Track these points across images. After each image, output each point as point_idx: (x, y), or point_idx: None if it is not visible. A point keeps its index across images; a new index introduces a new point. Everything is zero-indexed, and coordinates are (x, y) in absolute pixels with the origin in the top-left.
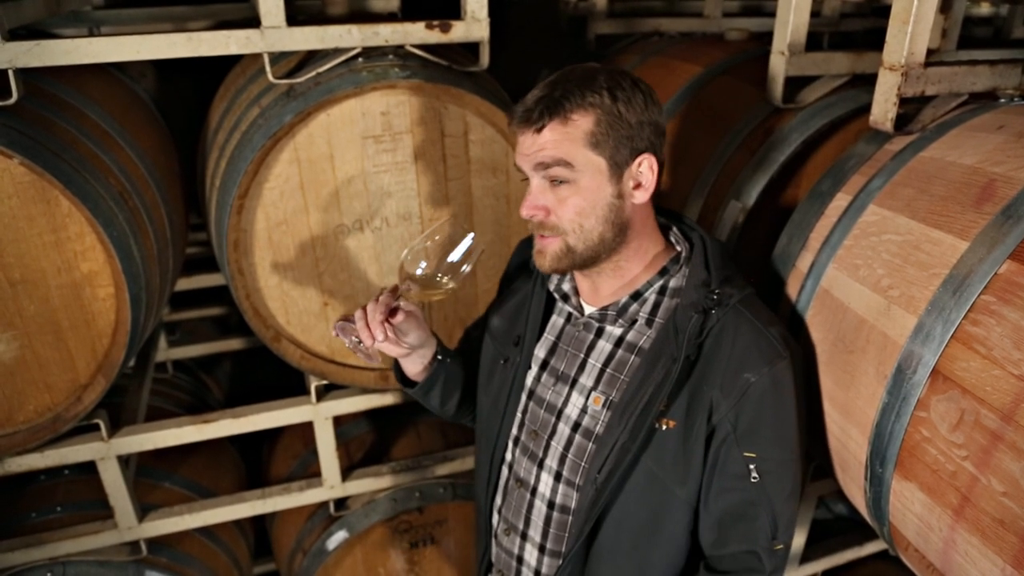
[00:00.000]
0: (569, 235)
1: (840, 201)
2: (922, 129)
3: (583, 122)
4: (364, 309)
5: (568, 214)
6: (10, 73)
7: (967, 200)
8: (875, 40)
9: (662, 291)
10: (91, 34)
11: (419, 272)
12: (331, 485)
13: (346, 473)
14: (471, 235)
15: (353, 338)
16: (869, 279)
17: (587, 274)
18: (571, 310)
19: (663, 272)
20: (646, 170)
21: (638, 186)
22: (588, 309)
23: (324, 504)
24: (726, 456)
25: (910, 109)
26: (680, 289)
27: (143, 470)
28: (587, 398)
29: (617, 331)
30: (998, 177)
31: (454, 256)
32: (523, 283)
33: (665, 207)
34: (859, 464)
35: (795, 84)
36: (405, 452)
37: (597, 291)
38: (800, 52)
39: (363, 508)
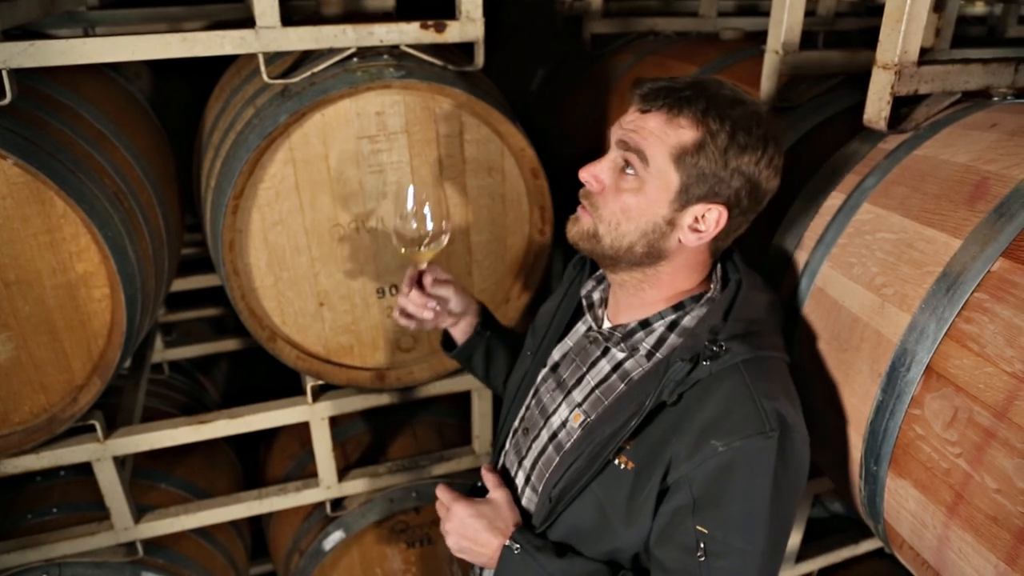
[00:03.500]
0: (602, 223)
1: (834, 200)
2: (916, 127)
3: (685, 133)
4: (406, 296)
5: (615, 205)
6: (4, 73)
7: (960, 198)
8: (870, 39)
9: (672, 326)
10: (86, 34)
11: (411, 233)
12: (328, 485)
13: (343, 473)
14: (411, 187)
15: (411, 320)
16: (863, 277)
17: (612, 282)
18: (590, 319)
19: (679, 307)
20: (711, 220)
21: (695, 228)
22: (605, 324)
23: (321, 504)
24: (677, 524)
25: (904, 108)
26: (689, 330)
27: (139, 471)
28: (571, 412)
29: (620, 355)
30: (991, 175)
31: (426, 209)
32: (567, 282)
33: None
34: (854, 462)
35: (790, 83)
36: (402, 452)
37: (618, 307)
38: (795, 51)
39: (360, 508)
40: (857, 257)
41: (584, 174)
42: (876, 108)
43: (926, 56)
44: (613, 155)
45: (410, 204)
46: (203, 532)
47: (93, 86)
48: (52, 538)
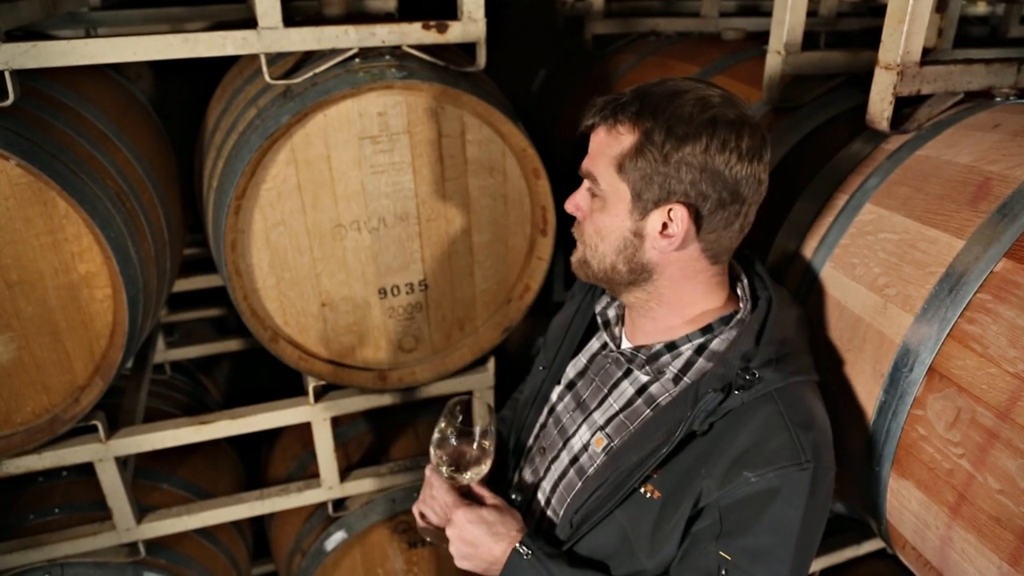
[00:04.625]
0: (588, 248)
1: (837, 200)
2: (918, 128)
3: (624, 139)
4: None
5: (590, 227)
6: (7, 74)
7: (963, 198)
8: (872, 39)
9: (700, 350)
10: (88, 35)
11: (463, 473)
12: (329, 486)
13: (344, 474)
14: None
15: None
16: (865, 278)
17: (624, 302)
18: (607, 338)
19: (707, 329)
20: (677, 220)
21: (665, 234)
22: (624, 344)
23: (322, 505)
24: (699, 547)
25: (906, 108)
26: (719, 354)
27: (141, 471)
28: (592, 435)
29: (644, 378)
30: (994, 175)
31: (474, 435)
32: (580, 295)
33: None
34: (856, 462)
35: (792, 83)
36: (403, 452)
37: (634, 326)
38: (796, 51)
39: (361, 509)
40: (859, 257)
41: (568, 205)
42: (878, 108)
43: (928, 56)
44: (584, 182)
45: (477, 434)
46: (205, 532)
47: (95, 87)
48: (54, 538)
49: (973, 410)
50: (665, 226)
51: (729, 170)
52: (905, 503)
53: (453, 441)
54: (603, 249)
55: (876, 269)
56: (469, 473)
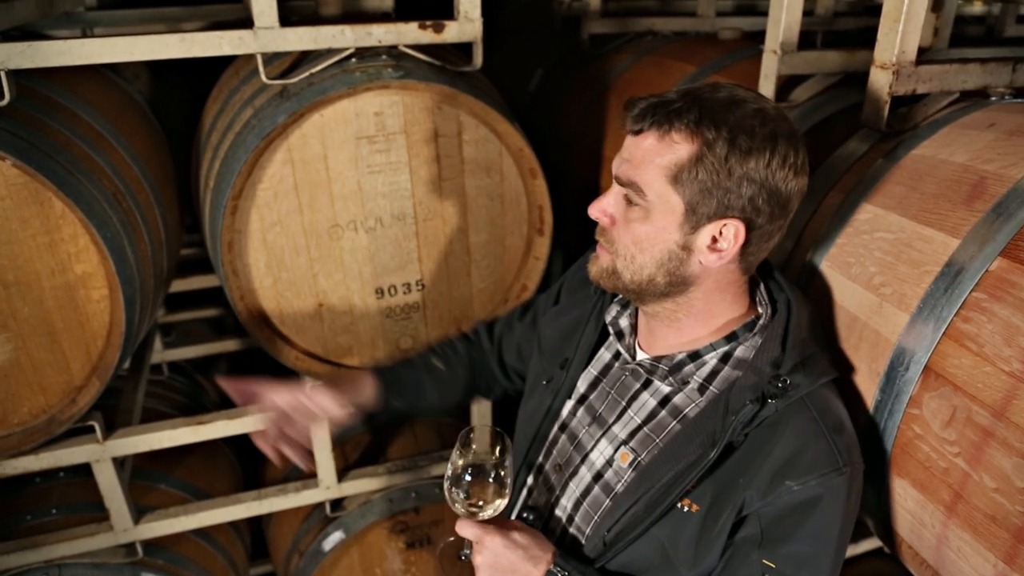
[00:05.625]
0: (619, 259)
1: (832, 199)
2: (913, 127)
3: (680, 148)
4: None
5: (626, 238)
6: (2, 74)
7: (958, 198)
8: (868, 39)
9: (725, 358)
10: (84, 35)
11: (483, 510)
12: (327, 486)
13: (342, 474)
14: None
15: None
16: (861, 277)
17: (643, 312)
18: (621, 350)
19: (731, 337)
20: (729, 236)
21: (715, 248)
22: (640, 355)
23: (320, 505)
24: (742, 556)
25: (902, 107)
26: (746, 361)
27: (138, 472)
28: (616, 450)
29: (665, 389)
30: (989, 175)
31: (483, 463)
32: (584, 300)
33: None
34: None
35: (788, 83)
36: (401, 452)
37: (653, 336)
38: (792, 51)
39: (359, 509)
40: (855, 256)
41: (593, 210)
42: (874, 108)
43: (924, 56)
44: (616, 188)
45: (494, 466)
46: (203, 533)
47: (91, 87)
48: (52, 539)
49: (969, 409)
50: (715, 240)
51: (786, 186)
52: (901, 502)
53: (469, 477)
54: (641, 260)
55: (872, 268)
56: (499, 503)
